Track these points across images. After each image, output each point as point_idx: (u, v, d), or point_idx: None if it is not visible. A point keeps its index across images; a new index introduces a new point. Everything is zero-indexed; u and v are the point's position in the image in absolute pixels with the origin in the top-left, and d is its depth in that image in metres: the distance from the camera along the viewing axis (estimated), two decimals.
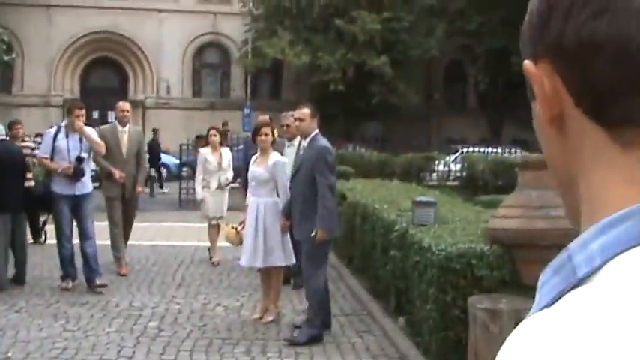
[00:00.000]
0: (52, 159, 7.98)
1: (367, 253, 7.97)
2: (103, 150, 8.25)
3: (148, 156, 11.88)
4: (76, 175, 7.85)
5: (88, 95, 29.40)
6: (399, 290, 6.58)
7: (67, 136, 8.01)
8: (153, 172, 19.42)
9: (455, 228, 6.06)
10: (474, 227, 6.00)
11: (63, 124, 8.28)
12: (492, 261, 5.19)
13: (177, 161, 21.94)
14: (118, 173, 8.49)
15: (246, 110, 29.06)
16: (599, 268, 0.54)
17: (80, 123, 8.00)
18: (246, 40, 30.70)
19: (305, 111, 6.45)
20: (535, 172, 5.01)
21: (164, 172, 22.31)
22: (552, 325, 0.51)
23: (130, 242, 9.17)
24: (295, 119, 6.73)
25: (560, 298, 0.55)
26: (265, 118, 9.13)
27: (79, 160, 7.89)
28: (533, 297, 0.62)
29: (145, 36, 31.97)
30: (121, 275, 8.90)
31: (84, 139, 7.98)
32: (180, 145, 20.31)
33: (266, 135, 6.96)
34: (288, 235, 6.83)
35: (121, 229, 8.99)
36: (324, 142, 6.44)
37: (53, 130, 8.34)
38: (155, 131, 21.89)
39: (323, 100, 22.21)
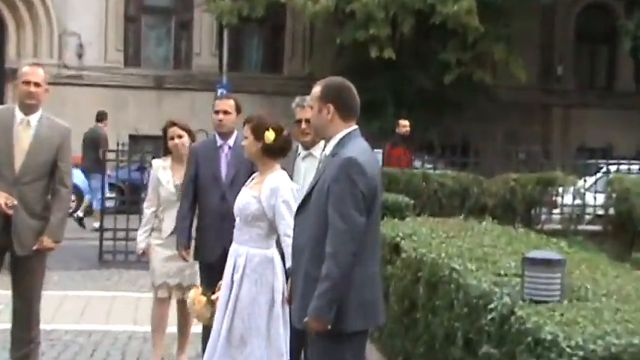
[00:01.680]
0: None
1: (438, 348, 7.62)
2: None
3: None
4: None
5: None
6: None
7: None
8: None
9: (600, 308, 5.68)
10: (632, 308, 5.68)
11: None
12: None
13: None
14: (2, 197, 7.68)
15: (221, 91, 26.41)
16: None
17: None
18: None
19: (315, 89, 5.91)
20: None
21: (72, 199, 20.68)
22: None
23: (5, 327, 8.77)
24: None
25: None
26: (230, 102, 8.05)
27: None
28: None
29: None
30: None
31: None
32: (104, 152, 18.21)
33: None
34: (287, 314, 6.52)
35: None
36: (356, 148, 5.67)
37: None
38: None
39: (358, 77, 20.13)
